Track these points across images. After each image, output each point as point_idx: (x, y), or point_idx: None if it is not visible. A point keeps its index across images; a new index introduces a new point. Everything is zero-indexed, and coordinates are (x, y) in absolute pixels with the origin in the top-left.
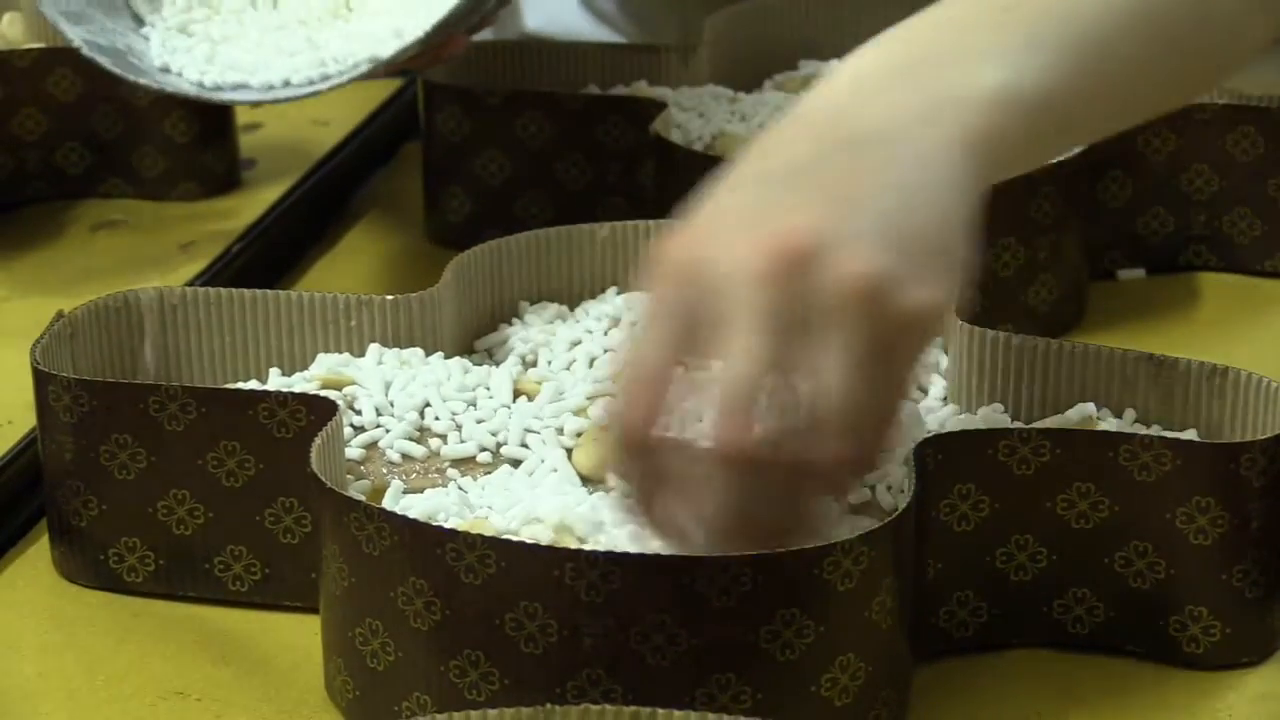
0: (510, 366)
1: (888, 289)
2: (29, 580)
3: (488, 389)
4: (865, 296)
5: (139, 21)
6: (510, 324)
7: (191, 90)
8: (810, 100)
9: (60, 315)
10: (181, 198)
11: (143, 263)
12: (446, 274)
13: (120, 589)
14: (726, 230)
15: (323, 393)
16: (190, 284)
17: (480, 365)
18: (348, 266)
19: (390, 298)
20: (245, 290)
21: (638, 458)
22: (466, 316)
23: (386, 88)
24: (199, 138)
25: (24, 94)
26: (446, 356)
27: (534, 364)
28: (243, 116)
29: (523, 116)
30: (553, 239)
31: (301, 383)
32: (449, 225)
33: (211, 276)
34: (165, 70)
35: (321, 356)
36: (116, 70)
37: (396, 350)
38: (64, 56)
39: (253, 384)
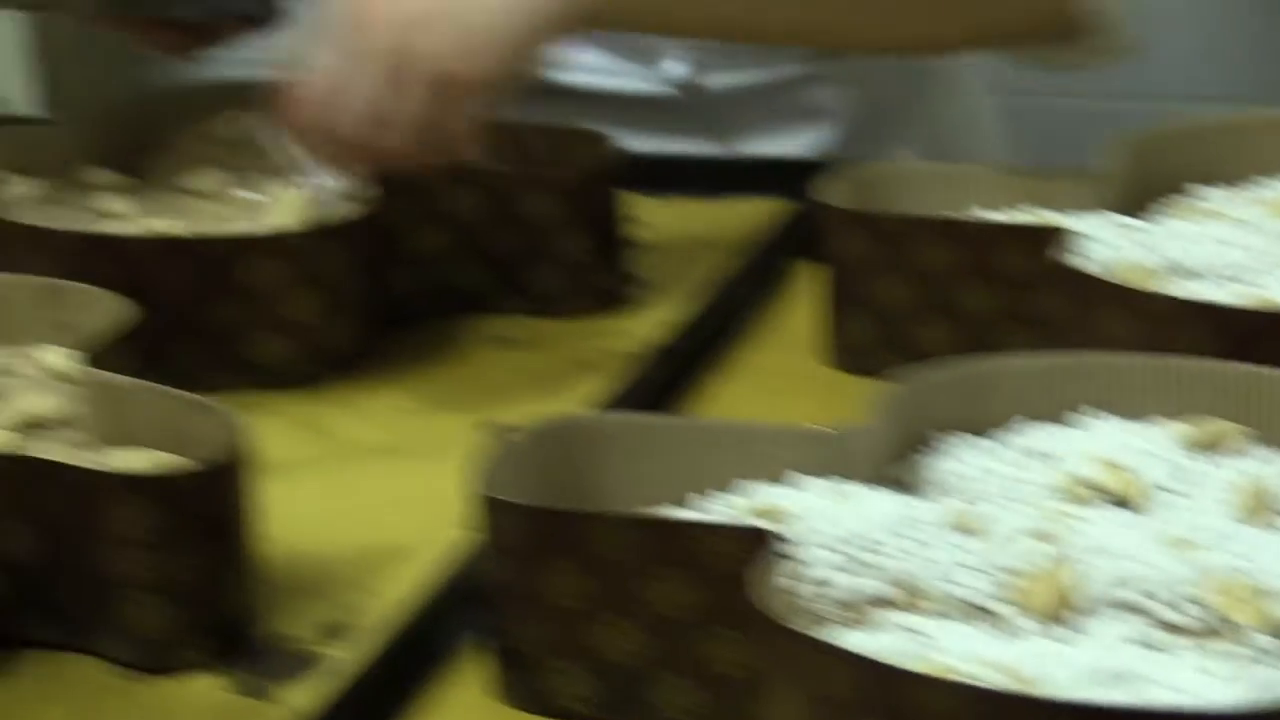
0: (949, 502)
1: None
2: (465, 704)
3: (929, 524)
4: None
5: None
6: (921, 453)
7: None
8: None
9: (502, 436)
10: (574, 314)
11: (541, 380)
12: (879, 407)
13: (559, 715)
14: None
15: (759, 523)
16: (589, 405)
17: (920, 500)
18: (743, 388)
19: (820, 429)
20: (675, 418)
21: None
22: (888, 448)
23: (773, 209)
24: (593, 254)
25: (423, 212)
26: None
27: (963, 499)
28: (635, 233)
29: (921, 241)
30: (972, 373)
31: (736, 512)
32: (849, 349)
33: (611, 397)
34: None
35: (753, 485)
36: None
37: (836, 481)
38: (462, 174)
39: (688, 513)
